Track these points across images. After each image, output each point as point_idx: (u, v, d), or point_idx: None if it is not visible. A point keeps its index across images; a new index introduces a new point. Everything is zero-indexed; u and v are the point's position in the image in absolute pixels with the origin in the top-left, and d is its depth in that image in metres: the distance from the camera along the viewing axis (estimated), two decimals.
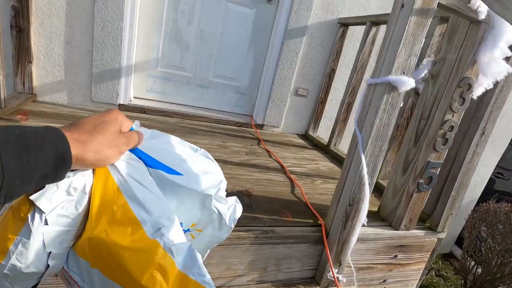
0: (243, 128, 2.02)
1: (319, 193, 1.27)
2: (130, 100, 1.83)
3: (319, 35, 1.98)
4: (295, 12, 1.84)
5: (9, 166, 0.26)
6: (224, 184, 0.51)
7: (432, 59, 1.28)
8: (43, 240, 0.34)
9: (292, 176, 1.35)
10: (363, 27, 1.75)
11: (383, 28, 1.76)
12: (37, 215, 0.33)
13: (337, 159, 1.79)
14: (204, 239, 0.51)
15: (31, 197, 0.33)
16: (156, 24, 1.80)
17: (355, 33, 2.05)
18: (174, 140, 0.51)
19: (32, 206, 0.33)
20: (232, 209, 0.51)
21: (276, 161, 1.51)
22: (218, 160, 1.42)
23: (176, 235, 0.40)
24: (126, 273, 0.35)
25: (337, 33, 1.97)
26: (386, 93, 0.78)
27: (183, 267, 0.37)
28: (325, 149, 1.93)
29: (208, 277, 0.37)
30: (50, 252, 0.35)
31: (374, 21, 1.65)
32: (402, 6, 0.74)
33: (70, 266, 0.39)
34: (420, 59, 1.37)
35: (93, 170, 0.39)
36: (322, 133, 2.28)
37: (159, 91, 1.97)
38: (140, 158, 0.44)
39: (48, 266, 0.36)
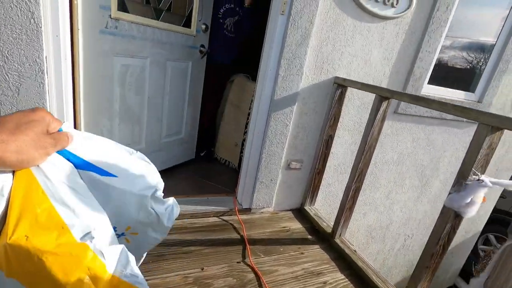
0: (225, 218, 1.62)
1: None
2: None
3: (312, 99, 1.60)
4: (282, 80, 1.45)
5: None
6: (161, 185, 0.50)
7: (477, 178, 0.98)
8: None
9: None
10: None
11: (394, 101, 1.41)
12: None
13: (345, 260, 1.44)
14: (140, 242, 0.50)
15: None
16: (103, 108, 1.37)
17: (354, 91, 1.69)
18: (109, 142, 0.48)
19: None
20: (170, 209, 0.51)
21: None
22: None
23: (108, 239, 0.38)
24: (49, 280, 0.32)
25: (334, 95, 1.60)
26: None
27: (116, 270, 0.35)
28: (329, 241, 1.58)
29: (141, 277, 0.37)
30: None
31: (385, 96, 1.29)
32: None
33: None
34: (462, 175, 1.03)
35: (13, 171, 0.35)
36: (320, 202, 1.93)
37: None
38: (69, 160, 0.42)
39: None
